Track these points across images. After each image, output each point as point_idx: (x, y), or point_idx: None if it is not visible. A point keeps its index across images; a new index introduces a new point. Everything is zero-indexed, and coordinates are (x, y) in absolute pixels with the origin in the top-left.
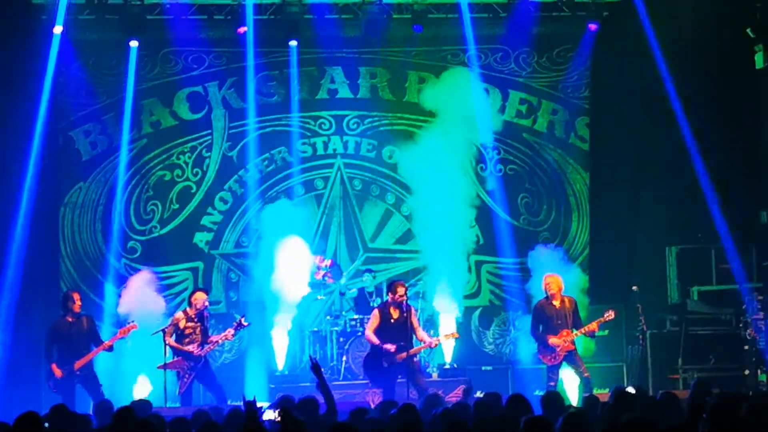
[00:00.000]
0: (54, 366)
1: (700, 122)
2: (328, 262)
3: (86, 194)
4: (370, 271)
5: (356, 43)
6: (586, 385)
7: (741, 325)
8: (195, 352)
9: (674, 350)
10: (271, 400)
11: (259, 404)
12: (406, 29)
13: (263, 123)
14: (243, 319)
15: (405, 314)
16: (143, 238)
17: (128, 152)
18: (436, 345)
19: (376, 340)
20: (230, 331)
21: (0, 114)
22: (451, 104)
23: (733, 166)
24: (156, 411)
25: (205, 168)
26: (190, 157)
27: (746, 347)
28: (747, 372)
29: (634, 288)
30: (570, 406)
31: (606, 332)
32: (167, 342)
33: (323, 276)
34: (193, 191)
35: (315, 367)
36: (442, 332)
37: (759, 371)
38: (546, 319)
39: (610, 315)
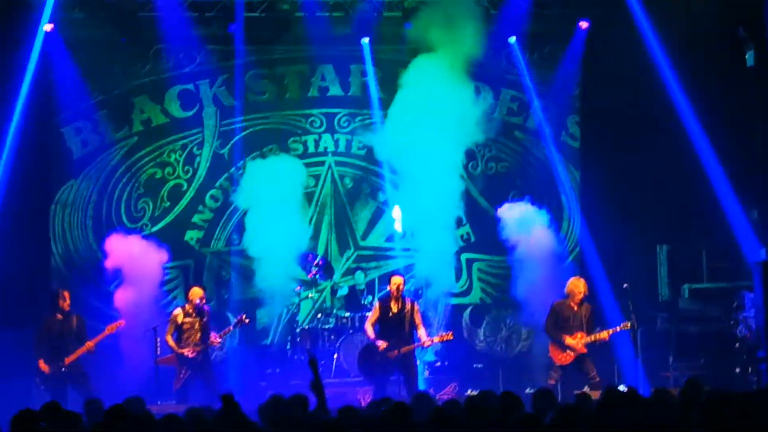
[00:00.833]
0: (41, 362)
1: (692, 120)
2: (319, 261)
3: (77, 192)
4: (361, 269)
5: (347, 41)
6: (592, 388)
7: (732, 323)
8: (190, 355)
9: (665, 348)
10: (261, 398)
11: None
12: (397, 27)
13: (254, 121)
14: (244, 317)
15: (406, 309)
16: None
17: (119, 150)
18: (430, 345)
19: (371, 334)
20: (230, 328)
21: None
22: (438, 92)
23: (724, 164)
24: (148, 408)
25: (196, 166)
26: (181, 155)
27: (737, 345)
28: (738, 370)
29: (625, 286)
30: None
31: None
32: (167, 341)
33: (315, 274)
34: (184, 189)
35: (312, 362)
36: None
37: (749, 369)
38: (563, 320)
39: (625, 325)
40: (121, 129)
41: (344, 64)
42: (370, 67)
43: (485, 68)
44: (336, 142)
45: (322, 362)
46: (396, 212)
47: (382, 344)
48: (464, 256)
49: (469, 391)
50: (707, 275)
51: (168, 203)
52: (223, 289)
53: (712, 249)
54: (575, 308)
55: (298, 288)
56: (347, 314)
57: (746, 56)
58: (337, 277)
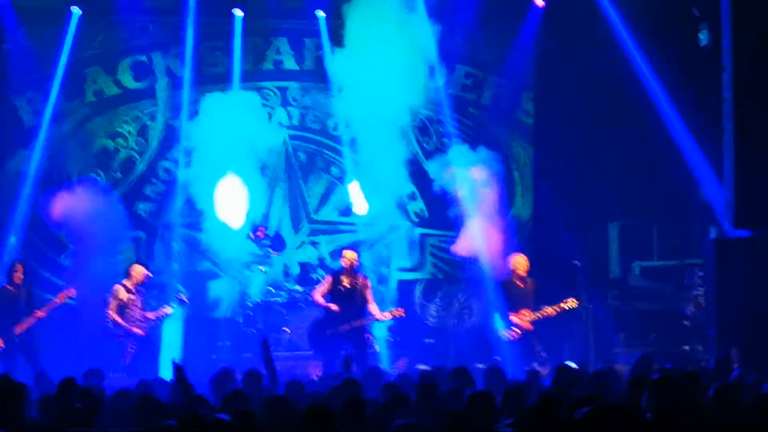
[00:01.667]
0: None
1: (645, 99)
2: (267, 232)
3: (28, 162)
4: (313, 243)
5: (302, 14)
6: (541, 363)
7: (682, 300)
8: (142, 333)
9: (615, 325)
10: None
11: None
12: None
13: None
14: (182, 296)
15: (358, 285)
16: None
17: (71, 121)
18: (381, 320)
19: (321, 301)
20: (168, 307)
21: None
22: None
23: (678, 141)
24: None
25: (148, 138)
26: (134, 127)
27: (687, 323)
28: (687, 348)
29: (576, 263)
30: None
31: None
32: (112, 317)
33: (266, 247)
34: (135, 161)
35: (264, 344)
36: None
37: (699, 347)
38: (509, 298)
39: (569, 303)
40: (73, 100)
41: (299, 37)
42: (325, 40)
43: (440, 44)
44: (290, 116)
45: (273, 335)
46: (355, 188)
47: (334, 306)
48: (417, 231)
49: (419, 366)
50: (658, 253)
51: (120, 175)
52: (174, 262)
53: (663, 227)
54: (520, 285)
55: (262, 268)
56: (299, 288)
57: (700, 35)
58: (289, 250)
